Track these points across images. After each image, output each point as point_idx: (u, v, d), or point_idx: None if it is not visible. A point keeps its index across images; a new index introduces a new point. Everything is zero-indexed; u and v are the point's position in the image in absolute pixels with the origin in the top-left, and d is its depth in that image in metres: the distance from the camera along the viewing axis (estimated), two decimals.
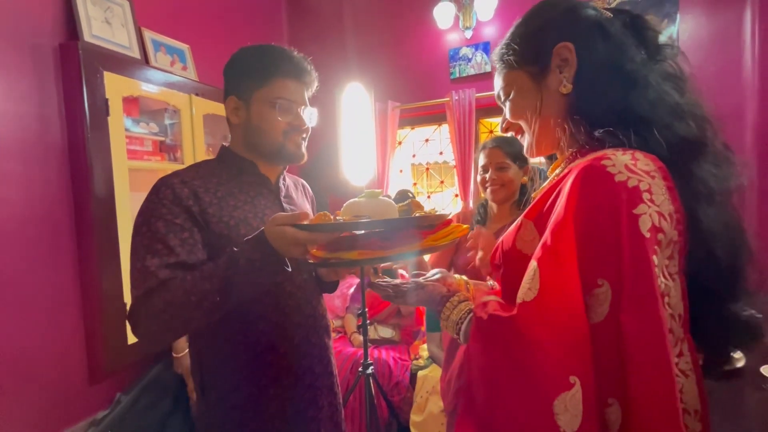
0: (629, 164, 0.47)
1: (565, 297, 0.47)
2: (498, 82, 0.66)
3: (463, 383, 0.56)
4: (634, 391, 0.44)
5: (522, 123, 0.65)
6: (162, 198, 0.74)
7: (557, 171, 0.61)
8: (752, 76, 1.96)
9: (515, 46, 0.62)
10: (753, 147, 1.91)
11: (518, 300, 0.50)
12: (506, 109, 0.66)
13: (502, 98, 0.67)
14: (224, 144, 0.89)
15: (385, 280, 0.76)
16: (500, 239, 0.62)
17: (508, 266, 0.58)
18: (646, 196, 0.46)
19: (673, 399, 0.43)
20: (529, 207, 0.58)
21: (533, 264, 0.50)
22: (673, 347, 0.46)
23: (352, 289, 2.49)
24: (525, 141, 0.66)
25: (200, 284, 0.67)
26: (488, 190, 1.39)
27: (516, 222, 0.59)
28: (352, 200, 0.72)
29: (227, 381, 0.80)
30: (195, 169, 0.83)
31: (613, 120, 0.53)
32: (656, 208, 0.46)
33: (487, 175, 1.39)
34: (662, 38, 0.57)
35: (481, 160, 1.42)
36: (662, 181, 0.47)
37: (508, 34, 0.64)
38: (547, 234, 0.50)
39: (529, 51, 0.61)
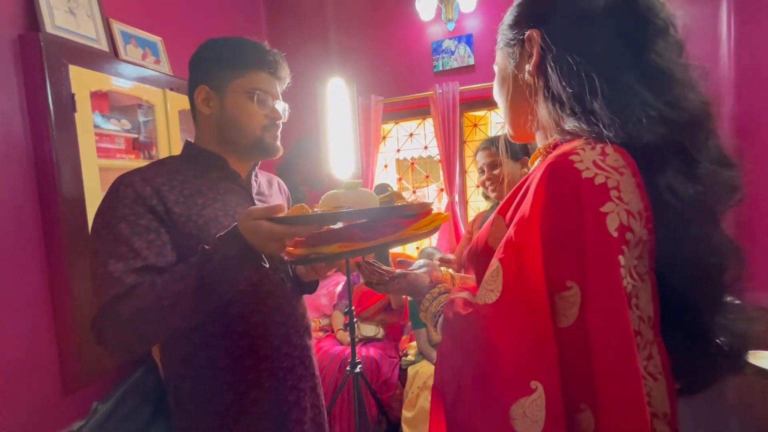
0: (597, 160, 0.45)
1: (528, 299, 0.45)
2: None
3: (436, 378, 0.54)
4: (602, 397, 0.42)
5: (499, 104, 0.64)
6: (123, 197, 0.69)
7: (536, 163, 0.60)
8: (728, 70, 2.00)
9: (504, 24, 0.61)
10: (729, 141, 1.95)
11: (478, 301, 0.49)
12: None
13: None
14: (188, 139, 0.85)
15: (372, 264, 0.74)
16: (476, 235, 0.61)
17: (481, 263, 0.57)
18: (614, 193, 0.44)
19: (641, 404, 0.42)
20: (502, 202, 0.57)
21: (496, 264, 0.48)
22: (642, 350, 0.45)
23: (339, 287, 2.46)
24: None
25: (172, 286, 0.63)
26: (489, 189, 1.45)
27: (489, 218, 0.58)
28: (331, 191, 0.69)
29: (205, 389, 0.76)
30: (158, 166, 0.78)
31: (575, 116, 0.50)
32: (625, 206, 0.44)
33: (484, 176, 1.44)
34: (664, 22, 0.50)
35: (478, 163, 1.50)
36: (632, 177, 0.45)
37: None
38: (510, 231, 0.48)
39: (508, 31, 0.60)
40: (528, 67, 0.56)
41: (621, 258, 0.43)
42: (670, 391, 0.46)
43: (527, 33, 0.55)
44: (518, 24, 0.58)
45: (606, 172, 0.44)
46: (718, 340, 0.49)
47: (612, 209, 0.43)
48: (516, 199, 0.52)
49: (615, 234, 0.43)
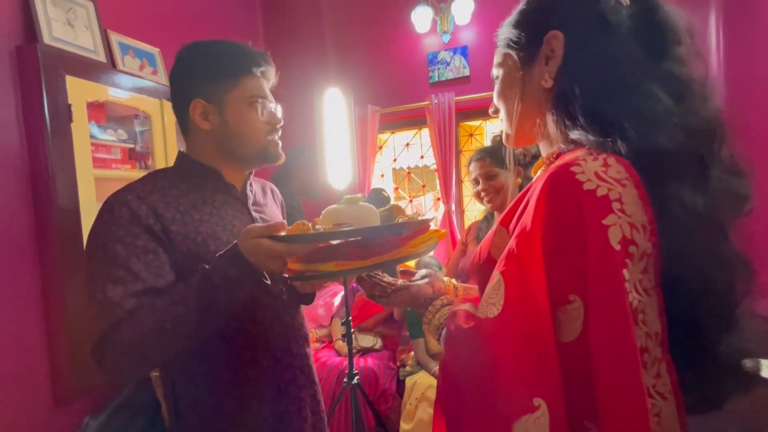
0: (599, 171, 0.44)
1: (531, 314, 0.44)
2: (495, 58, 0.62)
3: (439, 391, 0.54)
4: (604, 415, 0.41)
5: (501, 107, 0.62)
6: (117, 218, 0.67)
7: (539, 172, 0.59)
8: (718, 81, 2.03)
9: (511, 24, 0.59)
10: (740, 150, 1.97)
11: (480, 314, 0.48)
12: (495, 90, 0.63)
13: (494, 76, 0.63)
14: (181, 151, 0.82)
15: (374, 276, 0.73)
16: (470, 245, 0.61)
17: (484, 274, 0.56)
18: (616, 205, 0.43)
19: (645, 424, 0.41)
20: (504, 212, 0.56)
21: (497, 276, 0.47)
22: (650, 368, 0.44)
23: (337, 298, 2.44)
24: (503, 126, 0.63)
25: (173, 309, 0.62)
26: (485, 200, 1.45)
27: (492, 228, 0.57)
28: (331, 207, 0.68)
29: (207, 403, 0.75)
30: (151, 181, 0.75)
31: (591, 123, 0.49)
32: (627, 219, 0.43)
33: (479, 187, 1.45)
34: (680, 30, 0.50)
35: (471, 174, 1.49)
36: (634, 189, 0.44)
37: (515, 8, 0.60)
38: (512, 242, 0.47)
39: (521, 32, 0.57)
40: (543, 72, 0.54)
41: (625, 272, 0.42)
42: (680, 410, 0.45)
43: (547, 35, 0.53)
44: (530, 25, 0.56)
45: (608, 183, 0.44)
46: (727, 357, 0.47)
47: (614, 222, 0.42)
48: (518, 210, 0.51)
49: (617, 247, 0.42)
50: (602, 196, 0.43)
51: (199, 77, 0.76)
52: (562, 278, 0.44)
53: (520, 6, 0.58)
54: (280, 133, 0.83)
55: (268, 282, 0.64)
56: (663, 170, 0.45)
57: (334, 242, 0.65)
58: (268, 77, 0.81)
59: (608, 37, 0.50)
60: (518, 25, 0.58)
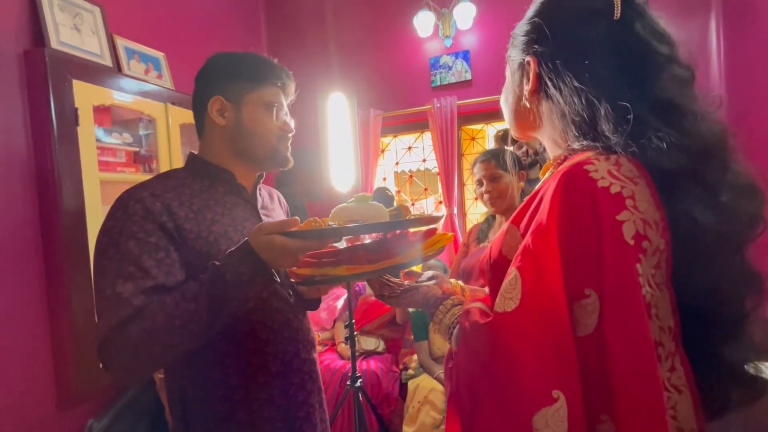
0: (612, 170, 0.45)
1: (548, 307, 0.44)
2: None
3: (452, 389, 0.54)
4: (620, 408, 0.41)
5: (502, 106, 0.65)
6: (131, 214, 0.67)
7: (548, 174, 0.60)
8: (719, 83, 2.04)
9: (515, 33, 0.60)
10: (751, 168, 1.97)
11: (497, 309, 0.48)
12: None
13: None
14: (193, 152, 0.83)
15: (382, 277, 0.74)
16: (490, 245, 0.61)
17: (496, 272, 0.56)
18: (629, 202, 0.44)
19: (661, 416, 0.41)
20: (515, 212, 0.57)
21: (514, 272, 0.48)
22: (664, 361, 0.45)
23: (340, 301, 2.44)
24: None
25: (183, 306, 0.61)
26: (488, 202, 1.46)
27: (503, 227, 0.58)
28: (341, 205, 0.69)
29: (217, 410, 0.74)
30: (163, 180, 0.76)
31: (586, 137, 0.50)
32: (640, 215, 0.44)
33: (483, 188, 1.45)
34: (665, 56, 0.49)
35: (476, 175, 1.50)
36: (646, 188, 0.45)
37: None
38: (528, 238, 0.48)
39: (515, 42, 0.59)
40: (524, 90, 0.56)
41: (639, 266, 0.43)
42: (696, 404, 0.45)
43: (525, 59, 0.56)
44: (519, 44, 0.58)
45: (621, 181, 0.45)
46: (733, 361, 0.48)
47: (628, 218, 0.44)
48: (530, 209, 0.52)
49: (631, 242, 0.43)
50: (616, 193, 0.44)
51: (223, 76, 0.80)
52: (578, 273, 0.44)
53: (527, 13, 0.59)
54: (290, 140, 0.86)
55: (278, 281, 0.64)
56: (669, 187, 0.46)
57: (338, 243, 0.66)
58: (287, 92, 0.85)
59: (587, 62, 0.50)
60: (516, 33, 0.59)
